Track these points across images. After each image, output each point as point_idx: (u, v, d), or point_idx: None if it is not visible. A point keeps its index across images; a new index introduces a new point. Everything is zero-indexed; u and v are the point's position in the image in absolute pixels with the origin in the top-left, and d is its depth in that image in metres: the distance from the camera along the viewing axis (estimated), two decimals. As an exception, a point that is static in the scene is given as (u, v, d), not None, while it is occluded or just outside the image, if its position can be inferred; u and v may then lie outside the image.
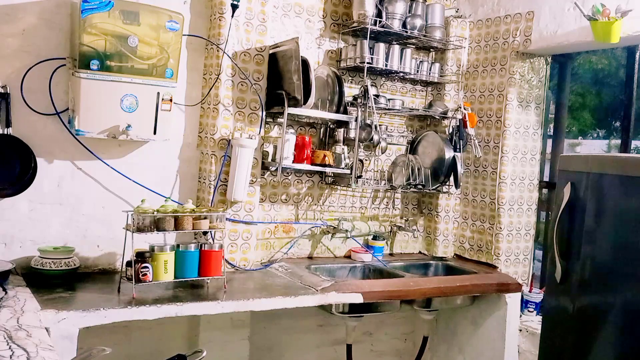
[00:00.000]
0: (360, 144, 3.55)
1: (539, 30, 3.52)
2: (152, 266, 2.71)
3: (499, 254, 3.74)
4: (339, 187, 3.76)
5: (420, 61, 3.84)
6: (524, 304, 3.71)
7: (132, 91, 2.83)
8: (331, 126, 3.66)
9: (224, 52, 3.13)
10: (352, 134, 3.53)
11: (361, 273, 3.73)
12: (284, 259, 3.57)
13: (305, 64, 3.19)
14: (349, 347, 3.72)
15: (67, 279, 2.78)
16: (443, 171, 3.77)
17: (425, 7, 3.76)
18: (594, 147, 4.43)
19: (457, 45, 3.92)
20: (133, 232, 2.67)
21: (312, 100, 3.21)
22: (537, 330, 3.39)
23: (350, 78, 3.78)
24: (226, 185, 3.21)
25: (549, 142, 3.98)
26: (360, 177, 3.62)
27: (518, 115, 3.73)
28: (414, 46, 3.90)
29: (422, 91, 4.09)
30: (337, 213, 3.82)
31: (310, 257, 3.74)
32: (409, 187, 3.79)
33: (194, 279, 2.86)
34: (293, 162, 3.36)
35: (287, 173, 3.58)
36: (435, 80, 3.92)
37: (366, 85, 3.49)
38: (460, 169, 3.74)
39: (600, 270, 2.71)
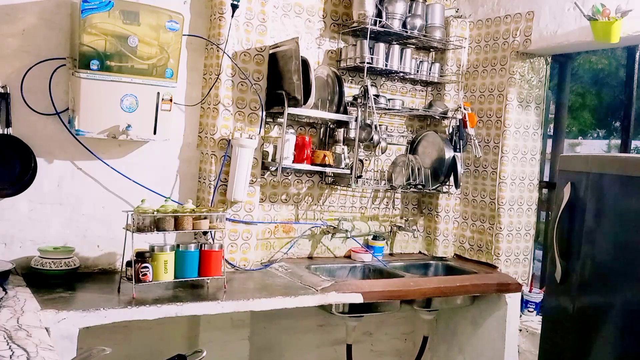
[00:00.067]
0: (360, 144, 3.55)
1: (539, 30, 3.52)
2: (152, 266, 2.71)
3: (499, 254, 3.74)
4: (339, 187, 3.77)
5: (420, 61, 3.84)
6: (524, 304, 3.71)
7: (132, 91, 2.83)
8: (331, 126, 3.66)
9: (224, 52, 3.13)
10: (352, 134, 3.53)
11: (361, 273, 3.73)
12: (284, 259, 3.57)
13: (305, 64, 3.19)
14: (349, 347, 3.72)
15: (67, 279, 2.78)
16: (443, 171, 3.77)
17: (425, 7, 3.76)
18: (594, 147, 4.43)
19: (457, 45, 3.92)
20: (133, 232, 2.67)
21: (312, 100, 3.21)
22: (537, 330, 3.39)
23: (350, 78, 3.78)
24: (226, 185, 3.21)
25: (549, 142, 3.98)
26: (360, 177, 3.62)
27: (518, 115, 3.73)
28: (414, 46, 3.90)
29: (422, 91, 4.09)
30: (337, 213, 3.82)
31: (310, 257, 3.74)
32: (409, 187, 3.79)
33: (194, 279, 2.86)
34: (293, 162, 3.36)
35: (287, 173, 3.58)
36: (435, 80, 3.92)
37: (366, 85, 3.49)
38: (460, 169, 3.74)
39: (600, 270, 2.71)
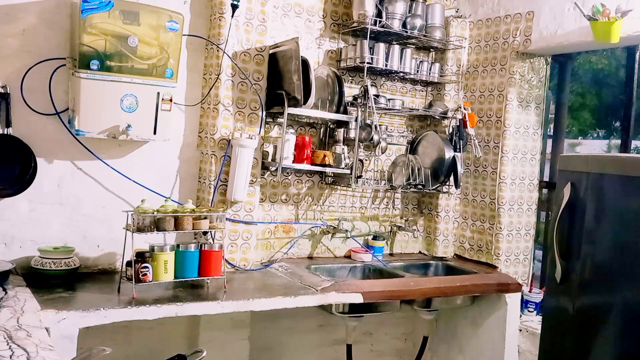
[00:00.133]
0: (360, 144, 3.55)
1: (539, 30, 3.52)
2: (152, 266, 2.71)
3: (499, 254, 3.74)
4: (339, 187, 3.76)
5: (420, 61, 3.84)
6: (524, 304, 3.71)
7: (132, 91, 2.83)
8: (331, 126, 3.66)
9: (224, 52, 3.13)
10: (352, 134, 3.53)
11: (361, 273, 3.73)
12: (284, 259, 3.57)
13: (305, 64, 3.19)
14: (349, 347, 3.72)
15: (67, 279, 2.77)
16: (443, 171, 3.77)
17: (425, 7, 3.76)
18: (594, 147, 4.43)
19: (457, 45, 3.92)
20: (133, 232, 2.67)
21: (312, 100, 3.21)
22: (537, 330, 3.39)
23: (350, 78, 3.78)
24: (226, 185, 3.21)
25: (549, 142, 3.98)
26: (360, 177, 3.62)
27: (518, 115, 3.73)
28: (414, 46, 3.90)
29: (422, 91, 4.09)
30: (337, 213, 3.82)
31: (310, 257, 3.74)
32: (409, 187, 3.79)
33: (194, 279, 2.86)
34: (293, 162, 3.36)
35: (287, 173, 3.58)
36: (435, 80, 3.92)
37: (366, 85, 3.49)
38: (460, 169, 3.73)
39: (600, 270, 2.70)
